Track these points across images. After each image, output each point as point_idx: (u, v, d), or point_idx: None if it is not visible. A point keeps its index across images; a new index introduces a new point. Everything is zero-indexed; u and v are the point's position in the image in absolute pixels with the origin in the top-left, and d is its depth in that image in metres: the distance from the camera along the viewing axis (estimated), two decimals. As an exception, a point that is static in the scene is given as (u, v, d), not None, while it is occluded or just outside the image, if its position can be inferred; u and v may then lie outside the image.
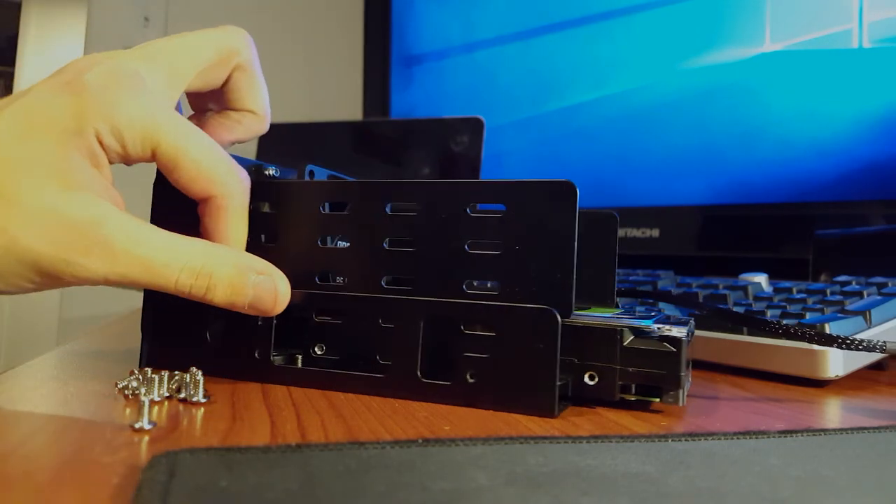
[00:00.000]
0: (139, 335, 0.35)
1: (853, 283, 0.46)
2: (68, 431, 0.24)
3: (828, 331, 0.37)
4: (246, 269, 0.30)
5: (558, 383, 0.28)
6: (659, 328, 0.29)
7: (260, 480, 0.18)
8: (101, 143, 0.28)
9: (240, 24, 0.34)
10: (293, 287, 0.32)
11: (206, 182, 0.30)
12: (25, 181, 0.26)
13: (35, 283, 0.27)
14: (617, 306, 0.37)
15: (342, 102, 1.33)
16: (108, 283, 0.27)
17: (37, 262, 0.26)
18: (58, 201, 0.26)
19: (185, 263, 0.28)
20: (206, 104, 0.36)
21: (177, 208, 0.32)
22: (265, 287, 0.30)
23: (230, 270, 0.29)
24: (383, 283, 0.31)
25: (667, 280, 0.52)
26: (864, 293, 0.43)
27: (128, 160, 0.29)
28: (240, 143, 0.36)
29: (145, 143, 0.29)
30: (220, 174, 0.30)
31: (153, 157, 0.29)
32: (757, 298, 0.47)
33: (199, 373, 0.29)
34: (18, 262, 0.26)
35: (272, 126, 0.37)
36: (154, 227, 0.29)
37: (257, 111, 0.35)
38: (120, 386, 0.30)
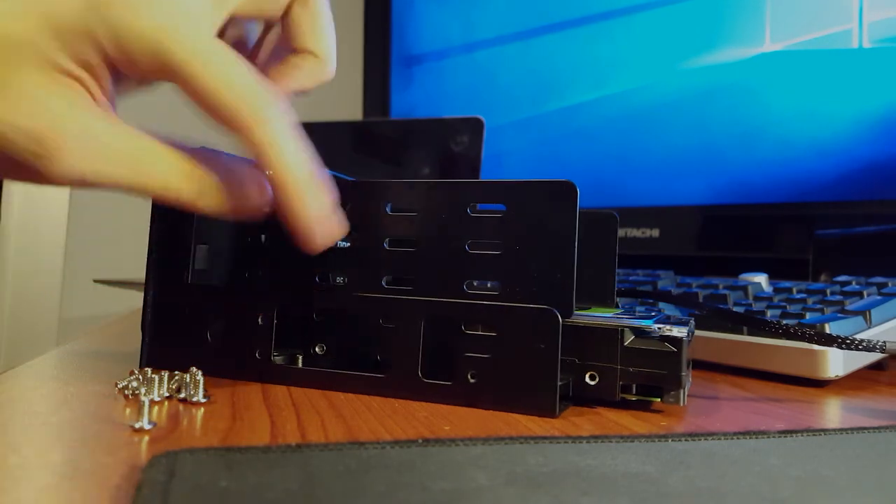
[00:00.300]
0: (139, 335, 0.35)
1: (853, 283, 0.46)
2: (68, 431, 0.24)
3: (828, 331, 0.37)
4: (241, 173, 0.27)
5: (559, 383, 0.28)
6: (659, 328, 0.29)
7: (260, 480, 0.18)
8: (101, 50, 0.24)
9: (240, 24, 0.34)
10: (293, 287, 0.32)
11: (231, 112, 0.25)
12: (4, 63, 0.23)
13: (10, 171, 0.25)
14: (617, 306, 0.37)
15: (342, 102, 1.32)
16: (85, 182, 0.24)
17: (6, 146, 0.23)
18: (34, 88, 0.23)
19: (175, 163, 0.26)
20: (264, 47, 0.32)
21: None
22: (255, 184, 0.27)
23: (223, 176, 0.26)
24: (384, 283, 0.31)
25: (667, 280, 0.52)
26: (864, 293, 0.43)
27: (134, 75, 0.26)
28: (302, 92, 0.31)
29: (153, 56, 0.25)
30: (248, 102, 0.25)
31: (166, 76, 0.26)
32: (757, 298, 0.47)
33: (199, 373, 0.29)
34: None
35: None
36: (138, 129, 0.26)
37: (319, 53, 0.31)
38: (120, 386, 0.30)
